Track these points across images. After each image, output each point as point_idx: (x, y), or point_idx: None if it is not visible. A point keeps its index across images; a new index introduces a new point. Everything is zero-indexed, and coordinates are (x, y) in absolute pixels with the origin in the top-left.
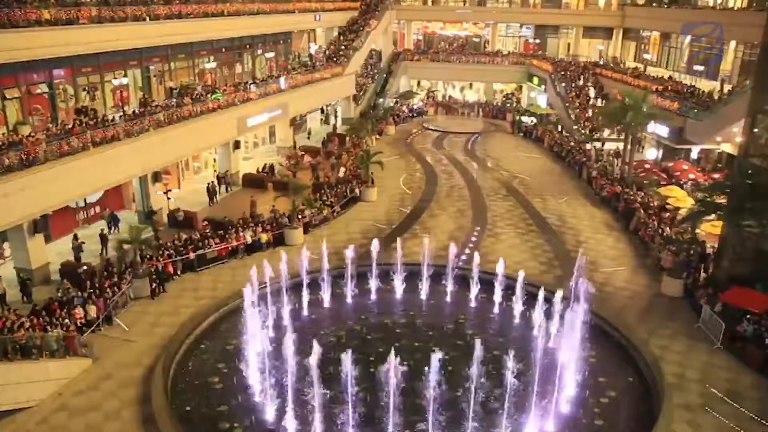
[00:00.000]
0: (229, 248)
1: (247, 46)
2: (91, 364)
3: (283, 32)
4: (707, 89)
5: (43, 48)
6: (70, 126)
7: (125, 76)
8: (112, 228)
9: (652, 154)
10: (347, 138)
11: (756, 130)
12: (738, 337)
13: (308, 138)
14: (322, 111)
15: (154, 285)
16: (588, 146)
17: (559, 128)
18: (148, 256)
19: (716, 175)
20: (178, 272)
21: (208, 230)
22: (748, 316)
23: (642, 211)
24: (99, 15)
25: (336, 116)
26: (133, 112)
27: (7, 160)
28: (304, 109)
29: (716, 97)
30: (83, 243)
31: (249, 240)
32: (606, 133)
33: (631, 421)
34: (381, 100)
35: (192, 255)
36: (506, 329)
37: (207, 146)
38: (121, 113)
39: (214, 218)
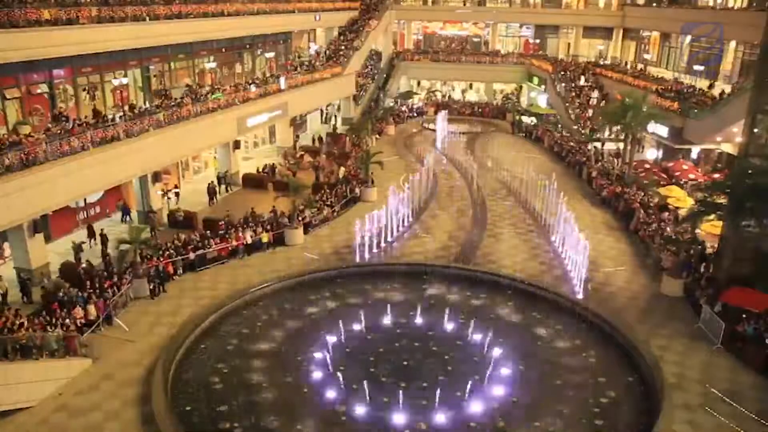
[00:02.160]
0: (229, 248)
1: (247, 46)
2: (91, 364)
3: (283, 32)
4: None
5: (43, 48)
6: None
7: (125, 76)
8: (125, 218)
9: (652, 154)
10: (347, 138)
11: (756, 130)
12: (738, 337)
13: (297, 138)
14: (323, 114)
15: (152, 285)
16: (589, 146)
17: (559, 128)
18: (148, 256)
19: (716, 175)
20: (179, 272)
21: (222, 230)
22: (744, 316)
23: (642, 211)
24: (99, 15)
25: (336, 118)
26: (112, 118)
27: (7, 160)
28: (304, 109)
29: (711, 95)
30: (83, 243)
31: (249, 240)
32: (606, 133)
33: (631, 421)
34: (381, 100)
35: (192, 255)
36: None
37: (207, 146)
38: (102, 118)
39: (216, 218)
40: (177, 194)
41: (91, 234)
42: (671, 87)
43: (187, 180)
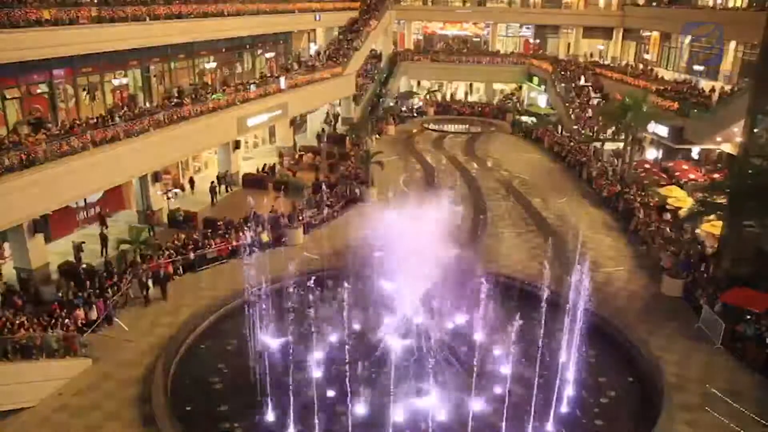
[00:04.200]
0: (229, 248)
1: (247, 46)
2: (91, 364)
3: (283, 32)
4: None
5: (43, 48)
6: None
7: (125, 76)
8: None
9: (652, 154)
10: (347, 138)
11: (756, 130)
12: (738, 337)
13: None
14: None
15: (145, 292)
16: (595, 146)
17: (559, 128)
18: (148, 257)
19: (716, 175)
20: (179, 272)
21: (221, 230)
22: (748, 317)
23: (642, 211)
24: (99, 15)
25: (337, 119)
26: (112, 118)
27: (7, 160)
28: (304, 109)
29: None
30: (83, 243)
31: (249, 240)
32: (608, 132)
33: (630, 421)
34: (381, 100)
35: (192, 255)
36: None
37: (207, 146)
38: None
39: (215, 219)
40: (192, 185)
41: (103, 224)
42: (671, 87)
43: (187, 180)
